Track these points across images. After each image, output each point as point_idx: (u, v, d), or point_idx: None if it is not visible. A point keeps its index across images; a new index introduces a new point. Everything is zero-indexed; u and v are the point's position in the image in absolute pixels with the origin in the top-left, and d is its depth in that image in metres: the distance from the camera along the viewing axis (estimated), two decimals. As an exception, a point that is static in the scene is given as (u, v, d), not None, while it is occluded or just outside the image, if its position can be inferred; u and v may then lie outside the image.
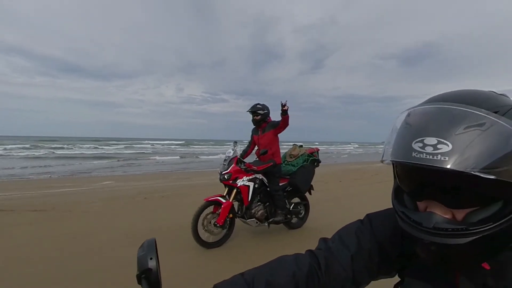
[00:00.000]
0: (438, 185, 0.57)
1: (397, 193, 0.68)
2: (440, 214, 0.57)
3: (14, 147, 32.93)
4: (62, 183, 10.20)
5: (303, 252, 0.80)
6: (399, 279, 0.81)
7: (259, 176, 4.06)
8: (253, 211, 3.98)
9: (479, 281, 0.63)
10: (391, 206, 0.70)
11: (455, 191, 0.55)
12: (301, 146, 4.58)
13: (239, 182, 3.85)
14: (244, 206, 3.93)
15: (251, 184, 3.93)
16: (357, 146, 78.16)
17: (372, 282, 0.80)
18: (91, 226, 4.90)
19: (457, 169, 0.49)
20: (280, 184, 4.15)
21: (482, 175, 0.48)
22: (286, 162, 4.42)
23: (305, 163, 4.38)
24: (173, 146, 48.47)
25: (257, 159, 4.21)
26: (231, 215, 3.75)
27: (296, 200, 4.48)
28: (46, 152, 28.14)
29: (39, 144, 39.10)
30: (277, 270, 0.73)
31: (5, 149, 30.13)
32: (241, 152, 4.28)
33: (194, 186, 9.63)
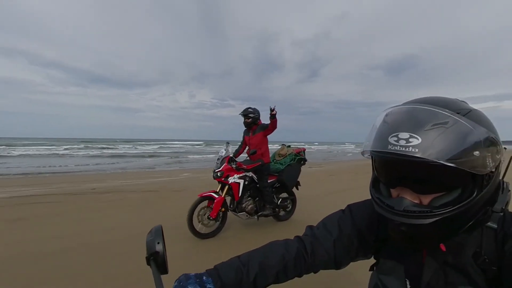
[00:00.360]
0: (409, 175, 0.58)
1: (375, 183, 0.68)
2: (410, 199, 0.58)
3: (69, 147, 32.85)
4: (154, 175, 10.54)
5: (292, 238, 0.81)
6: (375, 261, 0.81)
7: (249, 174, 3.86)
8: (243, 205, 3.80)
9: (441, 259, 0.65)
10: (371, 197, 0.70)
11: (422, 180, 0.57)
12: (289, 146, 4.36)
13: (230, 179, 3.67)
14: (235, 201, 3.74)
15: (241, 181, 3.74)
16: (354, 146, 76.25)
17: (352, 263, 0.81)
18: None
19: (425, 158, 0.50)
20: (269, 181, 3.93)
21: (445, 163, 0.50)
22: (275, 161, 4.20)
23: (292, 161, 4.15)
24: (197, 146, 48.52)
25: (248, 158, 3.98)
26: (223, 209, 3.58)
27: (284, 195, 4.25)
28: (98, 152, 27.92)
29: (89, 145, 39.61)
30: (268, 253, 0.74)
31: (65, 149, 30.27)
32: (233, 152, 4.08)
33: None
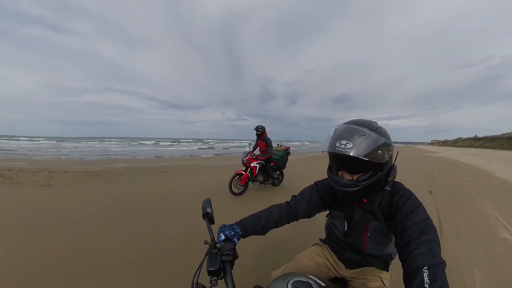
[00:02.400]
0: (347, 163, 0.58)
1: (330, 167, 0.66)
2: (347, 177, 0.60)
3: (183, 143, 28.32)
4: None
5: (282, 201, 0.77)
6: (329, 212, 0.81)
7: (262, 162, 3.93)
8: (257, 178, 3.89)
9: (363, 207, 0.67)
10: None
11: (353, 166, 0.57)
12: (281, 145, 4.34)
13: (252, 164, 3.77)
14: (253, 176, 3.84)
15: (258, 165, 3.82)
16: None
17: (317, 214, 0.79)
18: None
19: (354, 155, 0.52)
20: (271, 165, 4.00)
21: (364, 158, 0.52)
22: (274, 153, 4.22)
23: (283, 154, 4.16)
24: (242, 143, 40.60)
25: (260, 153, 4.09)
26: (247, 180, 3.68)
27: (278, 172, 4.26)
28: (206, 145, 23.60)
29: (185, 142, 33.92)
30: (271, 211, 0.72)
31: (180, 143, 26.52)
32: (252, 148, 4.15)
33: (313, 156, 10.36)
